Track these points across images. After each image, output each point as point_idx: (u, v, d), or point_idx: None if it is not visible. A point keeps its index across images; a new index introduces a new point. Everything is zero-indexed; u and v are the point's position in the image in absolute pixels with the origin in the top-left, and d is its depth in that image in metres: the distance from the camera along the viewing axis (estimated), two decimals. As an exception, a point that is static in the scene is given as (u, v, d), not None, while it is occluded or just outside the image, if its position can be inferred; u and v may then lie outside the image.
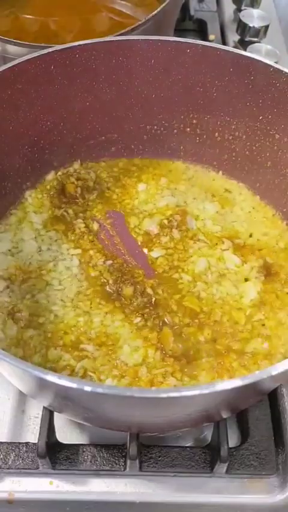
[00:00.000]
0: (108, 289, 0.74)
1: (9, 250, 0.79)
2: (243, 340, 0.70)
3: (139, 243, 0.80)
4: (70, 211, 0.83)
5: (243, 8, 1.28)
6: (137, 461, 0.63)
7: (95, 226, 0.82)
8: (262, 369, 0.66)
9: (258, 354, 0.69)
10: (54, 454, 0.65)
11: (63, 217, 0.83)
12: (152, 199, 0.86)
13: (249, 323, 0.71)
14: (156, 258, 0.78)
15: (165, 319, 0.71)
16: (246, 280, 0.75)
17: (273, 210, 0.85)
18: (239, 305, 0.73)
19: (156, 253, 0.79)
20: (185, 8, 1.27)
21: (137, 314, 0.71)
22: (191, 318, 0.71)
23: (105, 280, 0.75)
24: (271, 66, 0.75)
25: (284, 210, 0.84)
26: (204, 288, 0.74)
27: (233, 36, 1.22)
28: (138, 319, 0.71)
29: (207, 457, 0.66)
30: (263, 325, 0.71)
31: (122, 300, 0.73)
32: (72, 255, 0.78)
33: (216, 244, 0.79)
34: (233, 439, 0.69)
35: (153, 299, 0.72)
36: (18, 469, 0.65)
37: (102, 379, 0.66)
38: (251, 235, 0.82)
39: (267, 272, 0.76)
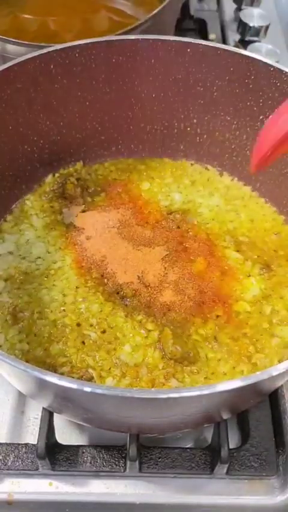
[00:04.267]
0: (109, 289, 0.74)
1: (11, 252, 0.79)
2: (253, 327, 0.70)
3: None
4: (71, 212, 0.83)
5: (243, 7, 1.27)
6: (137, 462, 0.63)
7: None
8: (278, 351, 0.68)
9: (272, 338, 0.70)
10: (54, 455, 0.65)
11: (64, 219, 0.83)
12: (153, 200, 0.86)
13: (256, 312, 0.72)
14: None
15: (166, 319, 0.70)
16: (249, 276, 0.75)
17: (274, 208, 0.85)
18: (241, 299, 0.73)
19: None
20: (185, 7, 1.27)
21: (139, 312, 0.71)
22: (192, 314, 0.71)
23: (106, 280, 0.75)
24: (271, 65, 0.75)
25: (285, 210, 0.83)
26: (205, 285, 0.74)
27: (234, 36, 1.22)
28: (140, 316, 0.71)
29: (208, 458, 0.66)
30: (277, 311, 0.72)
31: (123, 299, 0.73)
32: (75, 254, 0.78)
33: (218, 241, 0.79)
34: (233, 440, 0.69)
35: (155, 298, 0.72)
36: (17, 470, 0.65)
37: (102, 376, 0.66)
38: (252, 233, 0.81)
39: (269, 269, 0.76)
